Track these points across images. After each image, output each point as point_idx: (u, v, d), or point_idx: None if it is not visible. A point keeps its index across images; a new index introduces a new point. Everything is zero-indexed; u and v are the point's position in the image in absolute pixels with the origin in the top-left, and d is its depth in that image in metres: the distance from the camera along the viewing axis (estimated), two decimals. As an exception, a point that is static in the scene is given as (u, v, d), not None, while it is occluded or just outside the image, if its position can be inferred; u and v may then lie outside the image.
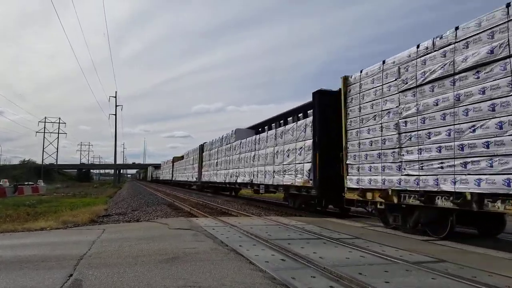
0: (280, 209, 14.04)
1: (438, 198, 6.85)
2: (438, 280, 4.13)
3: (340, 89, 10.14)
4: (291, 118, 16.51)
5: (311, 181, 11.53)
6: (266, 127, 19.48)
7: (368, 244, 6.28)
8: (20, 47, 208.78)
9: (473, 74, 6.27)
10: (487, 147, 5.90)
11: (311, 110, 12.55)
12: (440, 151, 6.76)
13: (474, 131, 6.14)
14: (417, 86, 7.47)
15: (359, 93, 9.31)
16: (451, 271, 4.51)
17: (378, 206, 8.54)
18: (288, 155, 13.32)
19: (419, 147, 7.27)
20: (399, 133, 7.82)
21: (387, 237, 7.32)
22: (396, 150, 7.88)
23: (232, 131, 21.56)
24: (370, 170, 8.65)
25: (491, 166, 5.80)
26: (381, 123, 8.44)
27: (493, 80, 5.91)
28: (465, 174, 6.25)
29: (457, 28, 6.72)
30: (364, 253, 5.58)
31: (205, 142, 28.13)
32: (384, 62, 8.55)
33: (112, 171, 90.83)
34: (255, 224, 9.05)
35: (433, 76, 7.07)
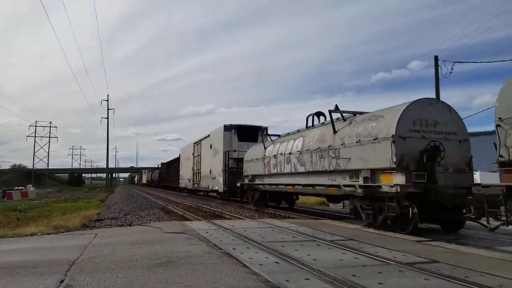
0: (274, 212, 14.03)
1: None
2: (431, 281, 4.15)
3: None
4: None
5: None
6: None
7: (361, 246, 6.30)
8: (9, 49, 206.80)
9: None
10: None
11: None
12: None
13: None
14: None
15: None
16: (444, 271, 4.53)
17: None
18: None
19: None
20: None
21: (380, 238, 7.35)
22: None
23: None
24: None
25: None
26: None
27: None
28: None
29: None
30: (357, 254, 5.60)
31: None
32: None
33: (104, 175, 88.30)
34: (248, 226, 9.02)
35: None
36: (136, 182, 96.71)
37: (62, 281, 4.23)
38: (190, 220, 11.33)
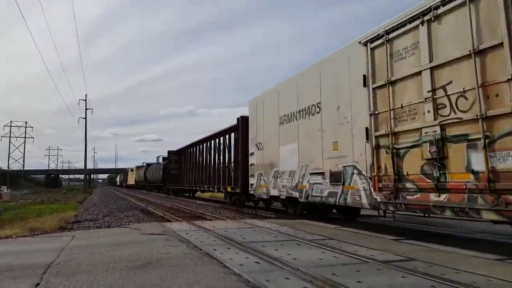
0: (255, 212, 14.04)
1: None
2: (408, 279, 4.24)
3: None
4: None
5: None
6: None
7: (340, 245, 6.38)
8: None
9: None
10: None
11: None
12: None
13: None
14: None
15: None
16: (421, 269, 4.63)
17: None
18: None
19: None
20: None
21: (359, 237, 7.45)
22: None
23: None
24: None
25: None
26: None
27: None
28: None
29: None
30: (337, 253, 5.67)
31: None
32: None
33: (82, 176, 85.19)
34: (229, 227, 9.00)
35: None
36: (118, 183, 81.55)
37: (38, 284, 4.13)
38: (170, 222, 11.22)
